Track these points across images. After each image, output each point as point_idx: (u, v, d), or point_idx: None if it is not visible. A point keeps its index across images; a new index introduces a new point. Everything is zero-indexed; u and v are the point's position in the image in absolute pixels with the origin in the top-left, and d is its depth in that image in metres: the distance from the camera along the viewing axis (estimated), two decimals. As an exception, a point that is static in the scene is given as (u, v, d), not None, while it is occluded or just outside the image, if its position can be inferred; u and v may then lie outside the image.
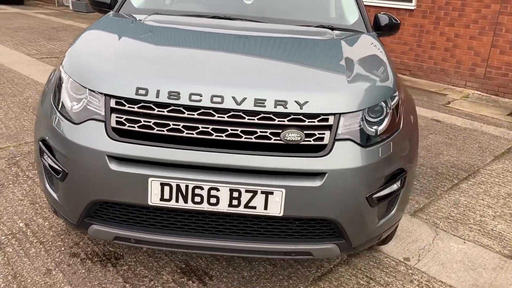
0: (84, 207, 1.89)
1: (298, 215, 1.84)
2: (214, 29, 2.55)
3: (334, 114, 1.87)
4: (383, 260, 2.63)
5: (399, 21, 3.21)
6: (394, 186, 2.06)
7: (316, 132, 1.83)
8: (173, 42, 2.36)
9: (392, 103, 2.08)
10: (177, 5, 3.15)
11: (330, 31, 2.74)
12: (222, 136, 1.79)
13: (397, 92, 2.14)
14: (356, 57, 2.32)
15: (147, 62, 2.03)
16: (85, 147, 1.82)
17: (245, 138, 1.80)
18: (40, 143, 2.05)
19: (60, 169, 1.91)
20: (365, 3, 7.78)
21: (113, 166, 1.79)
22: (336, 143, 1.84)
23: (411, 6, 7.56)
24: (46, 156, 2.00)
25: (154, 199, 1.80)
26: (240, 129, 1.80)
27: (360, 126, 1.92)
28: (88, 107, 1.89)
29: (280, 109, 1.82)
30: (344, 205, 1.87)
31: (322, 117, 1.85)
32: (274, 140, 1.80)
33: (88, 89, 1.90)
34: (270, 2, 3.04)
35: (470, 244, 2.87)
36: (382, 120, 2.01)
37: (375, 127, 1.97)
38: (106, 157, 1.79)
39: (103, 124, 1.83)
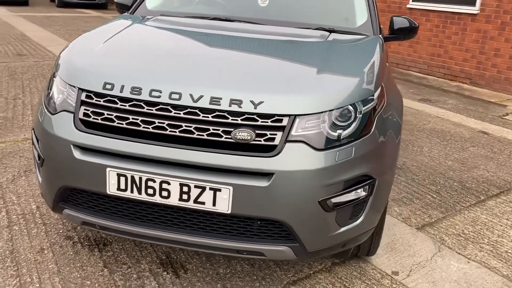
0: (55, 192, 2.04)
1: (247, 214, 1.85)
2: (203, 30, 2.62)
3: (289, 115, 1.85)
4: (369, 271, 2.53)
5: (416, 25, 3.08)
6: (359, 193, 1.98)
7: (268, 133, 1.83)
8: (154, 41, 2.46)
9: (363, 108, 2.01)
10: (186, 7, 3.25)
11: (326, 33, 2.69)
12: (175, 132, 1.85)
13: (373, 96, 2.07)
14: (338, 59, 2.27)
15: (121, 59, 2.15)
16: (55, 135, 1.97)
17: (197, 134, 1.84)
18: (32, 131, 2.25)
19: (39, 155, 2.08)
20: (425, 8, 7.49)
21: (77, 155, 1.92)
22: (287, 144, 1.82)
23: (474, 10, 7.10)
24: (35, 143, 2.19)
25: (111, 188, 1.90)
26: (194, 126, 1.85)
27: (319, 128, 1.88)
28: (67, 99, 2.04)
29: (234, 108, 1.84)
30: (294, 208, 1.84)
31: (276, 117, 1.84)
32: (225, 138, 1.83)
33: (68, 84, 2.05)
34: (274, 4, 3.04)
35: (474, 265, 2.66)
36: (350, 124, 1.95)
37: (340, 131, 1.92)
38: (71, 146, 1.93)
39: (72, 115, 1.97)
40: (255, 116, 1.84)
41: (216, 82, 1.94)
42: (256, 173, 1.81)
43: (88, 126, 1.95)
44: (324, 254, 2.07)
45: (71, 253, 2.51)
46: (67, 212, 2.07)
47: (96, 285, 2.28)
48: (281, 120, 1.84)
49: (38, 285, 2.25)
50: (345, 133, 1.94)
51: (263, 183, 1.80)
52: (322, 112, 1.90)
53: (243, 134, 1.81)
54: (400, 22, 3.02)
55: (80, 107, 1.97)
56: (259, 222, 1.92)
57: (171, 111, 1.87)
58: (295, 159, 1.81)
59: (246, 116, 1.84)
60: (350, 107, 1.97)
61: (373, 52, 2.44)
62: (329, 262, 2.58)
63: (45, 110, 2.09)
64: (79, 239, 2.64)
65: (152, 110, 1.88)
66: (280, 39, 2.55)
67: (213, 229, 1.93)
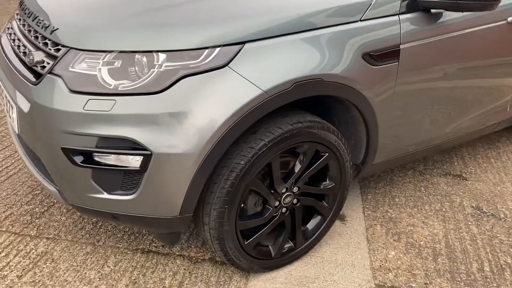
0: None
1: (23, 138, 1.84)
2: None
3: (66, 46, 1.67)
4: (228, 285, 1.99)
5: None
6: (124, 161, 1.62)
7: (46, 60, 1.72)
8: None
9: (168, 63, 1.58)
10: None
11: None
12: (20, 52, 1.94)
13: (199, 55, 1.58)
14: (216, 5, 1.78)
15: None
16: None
17: (23, 52, 1.89)
18: None
19: None
20: None
21: None
22: (48, 76, 1.66)
23: None
24: None
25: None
26: (27, 44, 1.90)
27: (95, 70, 1.61)
28: None
29: (42, 31, 1.81)
30: (42, 146, 1.72)
31: (58, 47, 1.70)
32: (26, 58, 1.82)
33: None
34: None
35: None
36: (140, 76, 1.59)
37: (123, 80, 1.60)
38: None
39: None
40: (49, 42, 1.76)
41: (55, 8, 1.90)
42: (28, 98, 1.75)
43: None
44: (96, 216, 1.82)
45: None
46: None
47: (13, 194, 2.54)
48: (58, 50, 1.69)
49: None
50: (129, 84, 1.59)
51: (26, 109, 1.73)
52: (100, 51, 1.62)
53: (29, 58, 1.76)
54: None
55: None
56: None
57: (31, 32, 1.96)
58: (46, 94, 1.65)
59: (46, 41, 1.77)
60: (143, 56, 1.59)
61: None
62: (208, 255, 2.16)
63: None
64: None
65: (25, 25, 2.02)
66: None
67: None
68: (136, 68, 1.60)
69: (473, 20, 2.22)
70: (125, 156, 1.61)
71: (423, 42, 2.07)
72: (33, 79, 1.72)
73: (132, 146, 1.60)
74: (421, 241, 2.36)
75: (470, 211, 2.65)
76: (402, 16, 1.98)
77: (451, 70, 2.24)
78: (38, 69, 1.73)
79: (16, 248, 2.13)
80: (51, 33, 1.75)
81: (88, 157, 1.64)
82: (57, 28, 1.74)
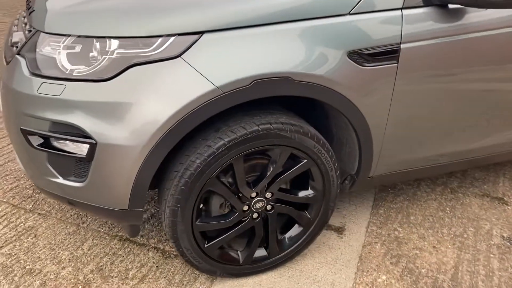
0: None
1: None
2: None
3: (35, 29, 1.68)
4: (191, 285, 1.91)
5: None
6: (72, 147, 1.59)
7: (21, 42, 1.75)
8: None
9: (120, 49, 1.51)
10: None
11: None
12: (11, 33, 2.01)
13: (154, 41, 1.50)
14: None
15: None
16: None
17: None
18: None
19: None
20: None
21: None
22: (16, 57, 1.68)
23: None
24: None
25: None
26: (19, 25, 1.97)
27: (54, 53, 1.60)
28: None
29: (26, 12, 1.85)
30: (8, 123, 1.75)
31: (33, 30, 1.72)
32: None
33: None
34: None
35: None
36: (93, 62, 1.55)
37: (81, 66, 1.56)
38: None
39: None
40: (27, 24, 1.78)
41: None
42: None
43: None
44: (56, 199, 1.81)
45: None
46: None
47: None
48: (30, 31, 1.71)
49: None
50: (83, 70, 1.56)
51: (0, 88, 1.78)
52: (61, 35, 1.60)
53: (10, 38, 1.80)
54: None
55: None
56: None
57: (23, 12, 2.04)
58: (11, 74, 1.68)
59: (26, 22, 1.81)
60: (97, 42, 1.54)
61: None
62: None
63: None
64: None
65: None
66: None
67: None
68: (94, 54, 1.55)
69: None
70: (73, 143, 1.58)
71: (436, 42, 1.78)
72: (8, 59, 1.76)
73: (80, 134, 1.57)
74: (423, 268, 2.08)
75: (498, 241, 2.28)
76: (406, 11, 1.72)
77: (474, 75, 1.92)
78: (14, 49, 1.76)
79: (8, 219, 2.24)
80: (29, 15, 1.77)
81: (45, 140, 1.64)
82: (34, 10, 1.75)
